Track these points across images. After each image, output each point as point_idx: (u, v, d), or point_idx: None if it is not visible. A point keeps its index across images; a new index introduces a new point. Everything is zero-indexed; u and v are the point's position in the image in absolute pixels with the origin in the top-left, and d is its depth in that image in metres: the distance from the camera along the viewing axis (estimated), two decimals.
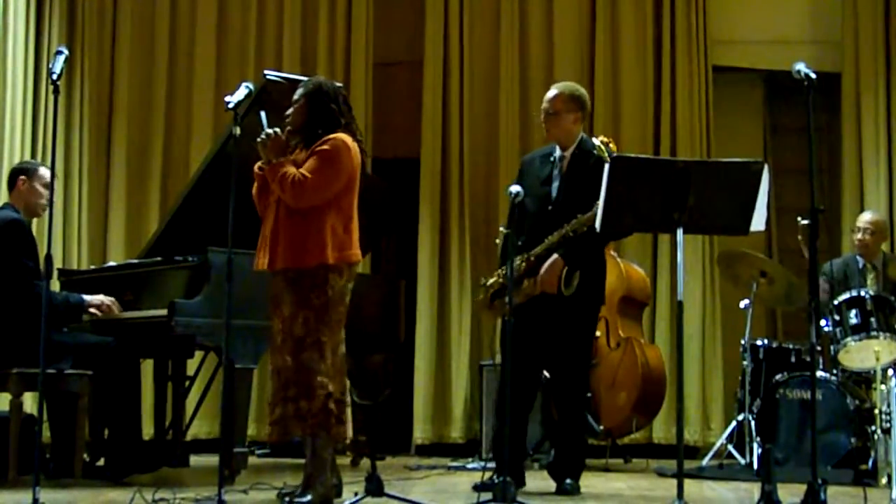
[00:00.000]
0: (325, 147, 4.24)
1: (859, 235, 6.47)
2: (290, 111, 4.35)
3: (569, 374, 5.02)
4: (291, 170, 4.20)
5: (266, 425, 4.28)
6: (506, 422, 4.58)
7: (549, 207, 4.97)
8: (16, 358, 4.99)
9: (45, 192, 5.30)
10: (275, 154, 4.23)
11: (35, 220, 6.68)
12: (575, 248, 4.89)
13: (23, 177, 5.31)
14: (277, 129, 4.25)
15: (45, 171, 5.36)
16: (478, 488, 4.60)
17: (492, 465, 4.93)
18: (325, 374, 4.18)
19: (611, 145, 5.18)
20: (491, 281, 5.10)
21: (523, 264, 4.91)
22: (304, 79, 4.52)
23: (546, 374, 5.32)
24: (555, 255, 4.89)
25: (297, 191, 4.17)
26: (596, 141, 4.96)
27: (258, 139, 4.24)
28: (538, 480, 4.99)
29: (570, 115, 5.05)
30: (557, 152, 5.09)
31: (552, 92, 5.12)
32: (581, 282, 4.89)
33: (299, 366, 4.17)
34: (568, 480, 4.91)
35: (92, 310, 5.29)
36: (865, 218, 6.57)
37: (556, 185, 5.00)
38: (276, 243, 4.25)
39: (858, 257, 6.49)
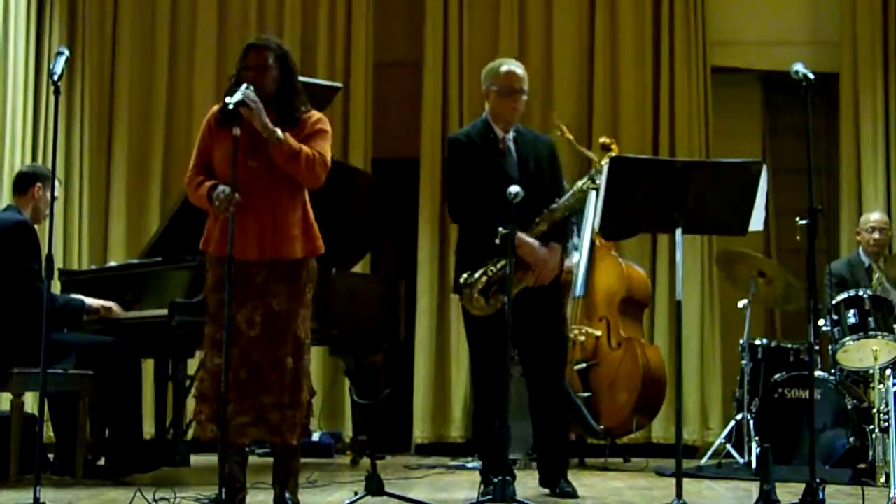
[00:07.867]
0: (324, 127, 4.04)
1: (877, 235, 6.40)
2: (253, 74, 3.93)
3: (551, 364, 4.79)
4: (307, 148, 3.90)
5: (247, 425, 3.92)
6: (505, 419, 4.53)
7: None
8: (17, 358, 5.00)
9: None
10: (268, 125, 3.84)
11: None
12: (562, 234, 4.78)
13: (39, 184, 5.33)
14: (251, 92, 3.85)
15: (56, 183, 5.44)
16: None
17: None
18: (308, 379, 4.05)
19: (612, 146, 5.17)
20: (478, 276, 4.63)
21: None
22: (306, 80, 4.44)
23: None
24: (552, 244, 4.68)
25: (322, 171, 3.94)
26: (562, 126, 4.89)
27: (246, 105, 3.81)
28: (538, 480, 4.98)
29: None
30: (497, 133, 4.72)
31: (521, 70, 4.75)
32: None
33: (299, 371, 3.97)
34: (563, 483, 4.76)
35: (93, 313, 5.33)
36: (879, 217, 6.51)
37: (509, 168, 4.66)
38: (267, 230, 3.94)
39: (864, 257, 6.45)
